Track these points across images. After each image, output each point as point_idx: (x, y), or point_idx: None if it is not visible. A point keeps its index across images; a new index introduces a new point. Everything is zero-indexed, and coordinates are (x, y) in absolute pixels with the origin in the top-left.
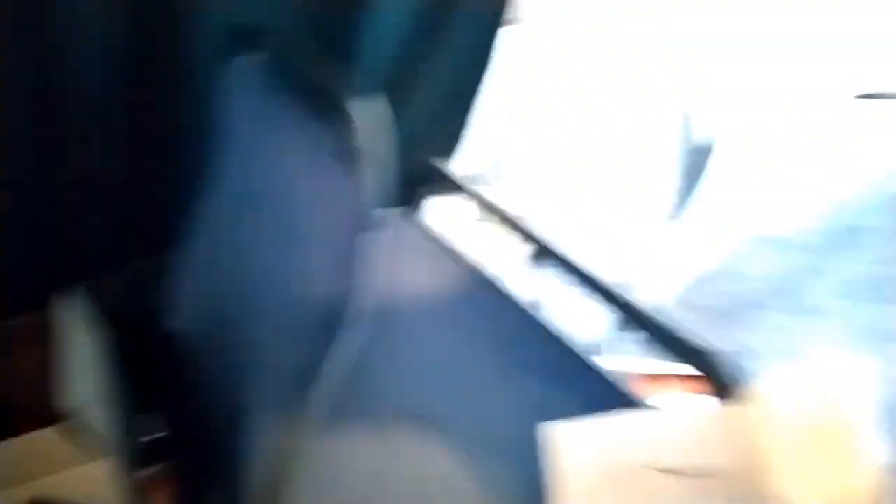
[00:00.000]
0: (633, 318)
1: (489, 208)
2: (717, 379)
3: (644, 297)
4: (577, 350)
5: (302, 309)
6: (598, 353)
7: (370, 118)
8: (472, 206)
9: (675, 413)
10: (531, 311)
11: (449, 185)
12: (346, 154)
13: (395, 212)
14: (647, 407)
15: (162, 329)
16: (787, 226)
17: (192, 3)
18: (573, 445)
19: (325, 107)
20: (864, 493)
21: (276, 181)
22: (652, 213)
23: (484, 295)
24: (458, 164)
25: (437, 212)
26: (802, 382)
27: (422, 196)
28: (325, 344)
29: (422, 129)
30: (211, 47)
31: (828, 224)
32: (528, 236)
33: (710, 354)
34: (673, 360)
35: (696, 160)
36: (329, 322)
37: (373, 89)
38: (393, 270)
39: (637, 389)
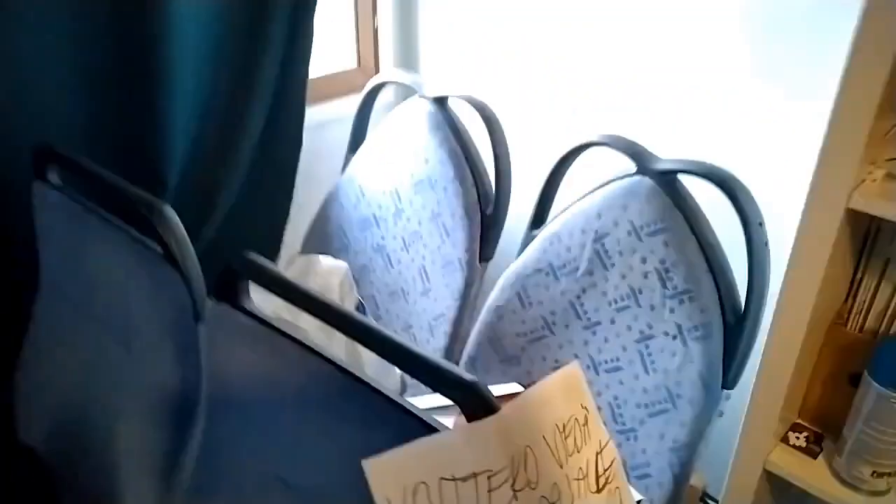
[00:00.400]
0: (398, 359)
1: (300, 295)
2: (476, 401)
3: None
4: (388, 395)
5: (150, 403)
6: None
7: (172, 221)
8: (286, 292)
9: (460, 431)
10: (348, 371)
11: (265, 275)
12: (163, 254)
13: (217, 303)
14: (441, 430)
15: (19, 443)
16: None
17: None
18: (387, 473)
19: (133, 214)
20: (607, 466)
21: (102, 288)
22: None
23: (306, 364)
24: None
25: (256, 298)
26: (540, 391)
27: (240, 286)
28: (179, 431)
29: (232, 225)
30: (16, 169)
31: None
32: (332, 314)
33: (464, 382)
34: (434, 391)
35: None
36: (179, 411)
37: (176, 193)
38: (223, 354)
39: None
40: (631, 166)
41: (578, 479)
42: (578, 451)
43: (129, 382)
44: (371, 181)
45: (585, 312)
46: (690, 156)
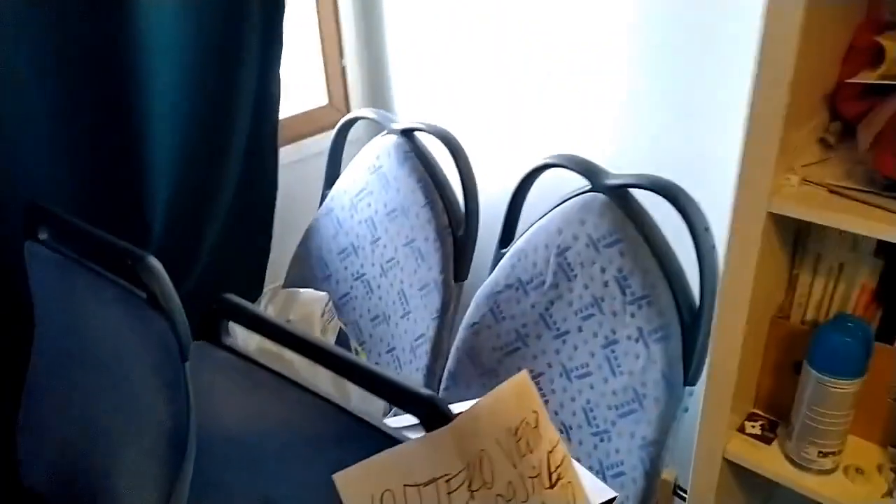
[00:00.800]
0: (362, 379)
1: (273, 329)
2: (431, 413)
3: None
4: (357, 415)
5: (144, 440)
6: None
7: (156, 269)
8: (260, 328)
9: (418, 441)
10: (321, 396)
11: (241, 313)
12: (148, 301)
13: (200, 342)
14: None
15: (22, 486)
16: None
17: None
18: (355, 484)
19: (119, 264)
20: (558, 464)
21: (93, 335)
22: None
23: (283, 392)
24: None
25: (237, 337)
26: (492, 399)
27: (220, 325)
28: (173, 464)
29: (215, 265)
30: (7, 227)
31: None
32: (303, 345)
33: (420, 397)
34: (394, 405)
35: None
36: (172, 444)
37: (161, 238)
38: (208, 388)
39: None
40: (585, 183)
41: (532, 477)
42: (531, 452)
43: (123, 422)
44: (347, 212)
45: (555, 323)
46: (647, 167)
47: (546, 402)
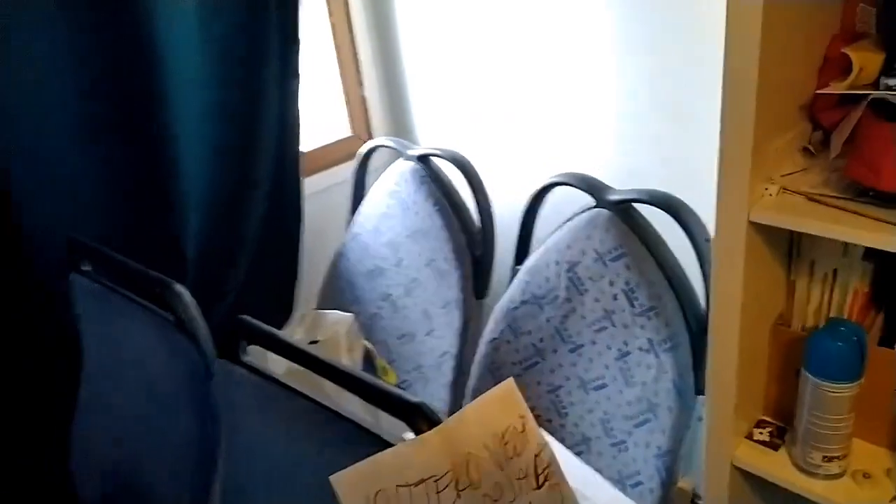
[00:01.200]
0: (355, 387)
1: (283, 346)
2: (420, 418)
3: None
4: (357, 422)
5: (177, 452)
6: None
7: (183, 295)
8: (273, 345)
9: (408, 444)
10: (326, 406)
11: (257, 333)
12: (175, 324)
13: (222, 361)
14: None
15: (76, 496)
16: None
17: (31, 221)
18: (351, 485)
19: (151, 292)
20: (545, 466)
21: (131, 357)
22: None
23: (294, 403)
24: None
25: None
26: (478, 406)
27: (239, 344)
28: (204, 473)
29: (247, 292)
30: (51, 261)
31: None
32: (309, 360)
33: (409, 403)
34: (387, 412)
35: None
36: (202, 455)
37: (195, 267)
38: (230, 404)
39: None
40: (591, 199)
41: (520, 479)
42: (518, 455)
43: (159, 436)
44: (372, 236)
45: (570, 336)
46: (653, 181)
47: (565, 414)
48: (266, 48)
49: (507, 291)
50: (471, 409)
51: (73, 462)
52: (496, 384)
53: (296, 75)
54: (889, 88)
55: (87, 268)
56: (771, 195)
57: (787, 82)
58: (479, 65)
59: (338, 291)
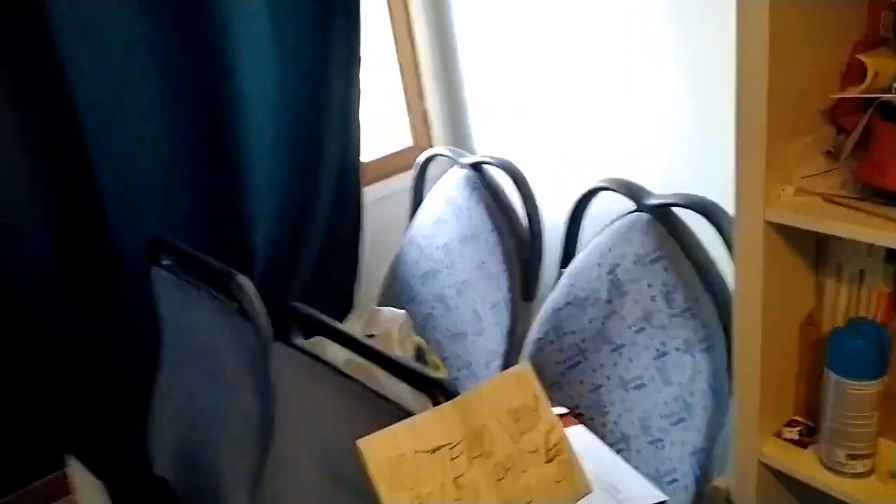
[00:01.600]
0: (386, 365)
1: (329, 329)
2: (439, 391)
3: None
4: (385, 396)
5: (238, 428)
6: None
7: (245, 285)
8: (319, 329)
9: (427, 414)
10: (358, 381)
11: (306, 318)
12: (238, 310)
13: (277, 343)
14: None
15: (151, 474)
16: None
17: (116, 222)
18: (375, 450)
19: (219, 283)
20: (555, 443)
21: (201, 342)
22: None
23: (335, 380)
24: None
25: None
26: (494, 383)
27: (291, 328)
28: (260, 448)
29: (312, 289)
30: (135, 256)
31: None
32: (348, 341)
33: (430, 378)
34: (412, 386)
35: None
36: (259, 431)
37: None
38: (284, 381)
39: None
40: (632, 204)
41: (531, 452)
42: (530, 431)
43: (223, 413)
44: (427, 240)
45: (611, 337)
46: (695, 186)
47: (606, 413)
48: (332, 66)
49: (551, 293)
50: (487, 385)
51: (149, 441)
52: (543, 386)
53: (357, 91)
54: None
55: (166, 262)
56: (788, 196)
57: (804, 88)
58: (531, 78)
59: (395, 292)
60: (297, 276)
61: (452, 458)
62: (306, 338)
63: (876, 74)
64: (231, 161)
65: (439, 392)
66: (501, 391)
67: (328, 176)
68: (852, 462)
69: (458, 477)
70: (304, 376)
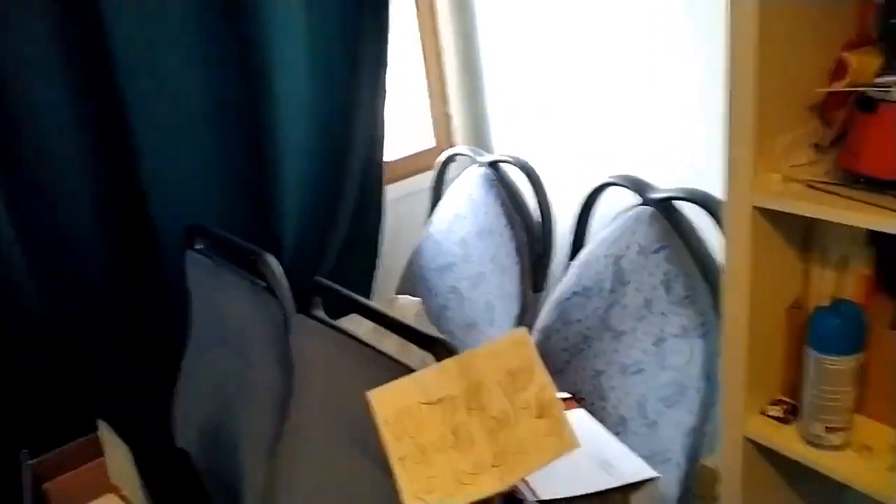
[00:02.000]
0: (395, 328)
1: (345, 299)
2: (441, 349)
3: None
4: (392, 357)
5: (260, 398)
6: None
7: (272, 263)
8: (338, 300)
9: (430, 369)
10: (372, 346)
11: (326, 290)
12: (265, 287)
13: (299, 315)
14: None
15: (173, 446)
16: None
17: (156, 210)
18: (383, 401)
19: (248, 263)
20: (547, 401)
21: (229, 318)
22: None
23: (350, 346)
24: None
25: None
26: (493, 345)
27: (312, 300)
28: (280, 416)
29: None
30: (172, 241)
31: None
32: (361, 308)
33: (434, 338)
34: (418, 346)
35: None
36: (279, 401)
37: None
38: (305, 354)
39: None
40: (637, 198)
41: (524, 408)
42: (525, 389)
43: (246, 385)
44: (445, 235)
45: (613, 324)
46: (698, 181)
47: (606, 397)
48: (360, 72)
49: (559, 284)
50: (486, 346)
51: (174, 415)
52: (549, 372)
53: (384, 92)
54: (876, 87)
55: (200, 246)
56: (774, 183)
57: (794, 85)
58: (546, 81)
59: (413, 284)
60: (320, 263)
61: (452, 410)
62: (328, 313)
63: (858, 71)
64: (264, 155)
65: (442, 349)
66: (499, 352)
67: (354, 171)
68: (829, 435)
69: (456, 426)
70: (325, 345)
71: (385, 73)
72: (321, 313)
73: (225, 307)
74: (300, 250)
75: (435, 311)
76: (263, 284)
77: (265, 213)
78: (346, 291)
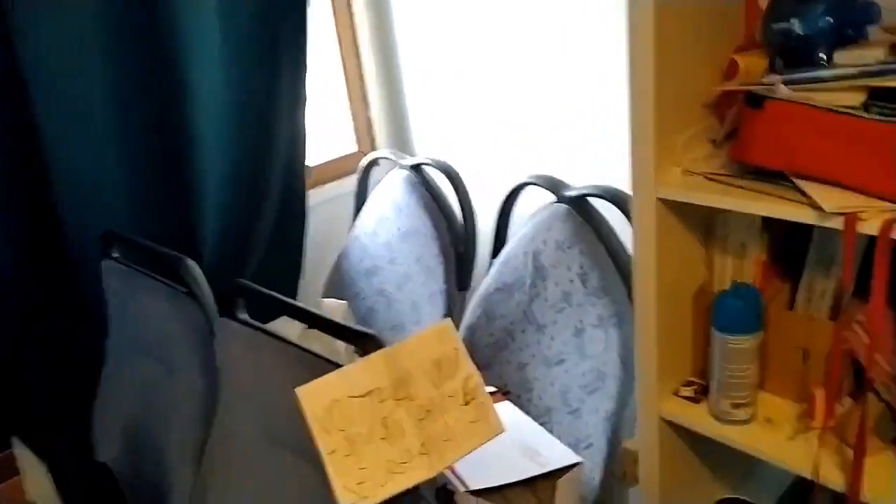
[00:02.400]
0: (321, 325)
1: (274, 302)
2: (368, 343)
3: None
4: (319, 354)
5: (185, 405)
6: None
7: (193, 268)
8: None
9: (356, 364)
10: (300, 346)
11: (248, 291)
12: (187, 293)
13: (223, 319)
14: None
15: (94, 459)
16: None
17: (70, 219)
18: (312, 396)
19: (168, 270)
20: (473, 388)
21: (149, 327)
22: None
23: (274, 345)
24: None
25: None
26: (418, 336)
27: (235, 302)
28: (206, 422)
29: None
30: (88, 250)
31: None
32: (289, 308)
33: (360, 332)
34: (344, 341)
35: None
36: (205, 405)
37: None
38: (230, 358)
39: None
40: (552, 196)
41: (451, 396)
42: (451, 378)
43: (169, 394)
44: (370, 238)
45: (535, 318)
46: (608, 177)
47: (531, 389)
48: (279, 77)
49: (483, 281)
50: (412, 338)
51: (94, 428)
52: (476, 366)
53: (303, 97)
54: (763, 85)
55: (116, 255)
56: (676, 175)
57: (690, 85)
58: (466, 84)
59: (340, 288)
60: (243, 268)
61: (380, 401)
62: (254, 318)
63: (747, 72)
64: (182, 161)
65: (371, 344)
66: (425, 343)
67: (275, 174)
68: (736, 411)
69: (384, 418)
70: (250, 348)
71: (304, 76)
72: (245, 316)
73: (145, 315)
74: (222, 255)
75: (362, 314)
76: (184, 290)
77: (184, 219)
78: (270, 292)
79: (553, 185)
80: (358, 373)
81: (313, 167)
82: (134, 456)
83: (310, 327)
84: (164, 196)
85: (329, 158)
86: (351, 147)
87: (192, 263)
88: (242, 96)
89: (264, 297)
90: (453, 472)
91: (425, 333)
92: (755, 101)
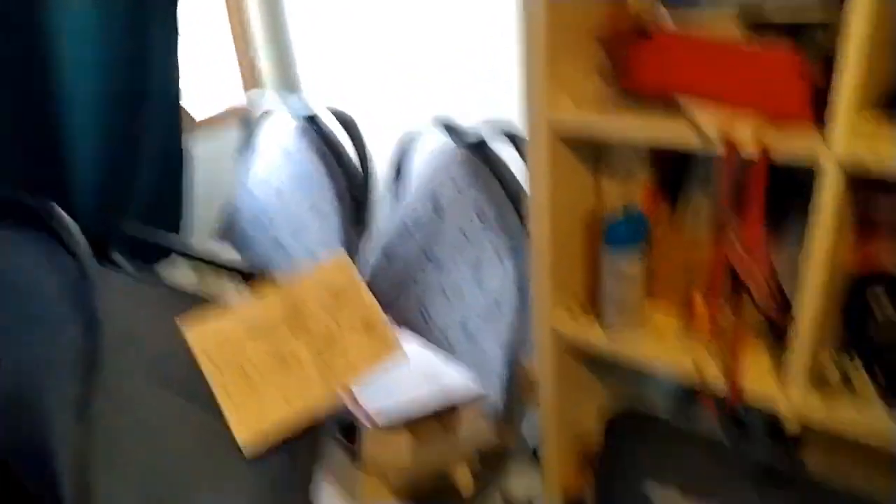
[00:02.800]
0: (213, 264)
1: (165, 248)
2: (259, 277)
3: None
4: (206, 296)
5: (62, 361)
6: None
7: (62, 216)
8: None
9: (249, 298)
10: (180, 289)
11: (131, 238)
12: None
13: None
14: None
15: None
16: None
17: None
18: (202, 334)
19: (34, 221)
20: (372, 318)
21: (22, 285)
22: None
23: (155, 291)
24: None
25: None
26: (313, 270)
27: (111, 248)
28: (90, 375)
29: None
30: None
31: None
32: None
33: (250, 268)
34: (235, 279)
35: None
36: (85, 360)
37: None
38: (112, 305)
39: None
40: (448, 137)
41: (350, 327)
42: (349, 308)
43: (46, 351)
44: (260, 188)
45: (435, 256)
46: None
47: (435, 324)
48: (150, 25)
49: (383, 223)
50: (308, 272)
51: None
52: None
53: (175, 37)
54: (652, 17)
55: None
56: (567, 107)
57: (581, 19)
58: (352, 25)
59: (233, 240)
60: (122, 216)
61: (276, 336)
62: (134, 258)
63: (639, 8)
64: (45, 103)
65: (259, 279)
66: (321, 276)
67: (152, 119)
68: (623, 323)
69: (280, 351)
70: (132, 294)
71: (175, 14)
72: (124, 262)
73: (9, 270)
74: (99, 202)
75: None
76: (53, 240)
77: (55, 170)
78: (154, 231)
79: (449, 128)
80: (251, 309)
81: (199, 120)
82: (13, 423)
83: (200, 264)
84: (32, 146)
85: (217, 109)
86: (239, 94)
87: (58, 211)
88: (112, 39)
89: (147, 242)
90: (359, 406)
91: (320, 266)
92: (645, 32)
